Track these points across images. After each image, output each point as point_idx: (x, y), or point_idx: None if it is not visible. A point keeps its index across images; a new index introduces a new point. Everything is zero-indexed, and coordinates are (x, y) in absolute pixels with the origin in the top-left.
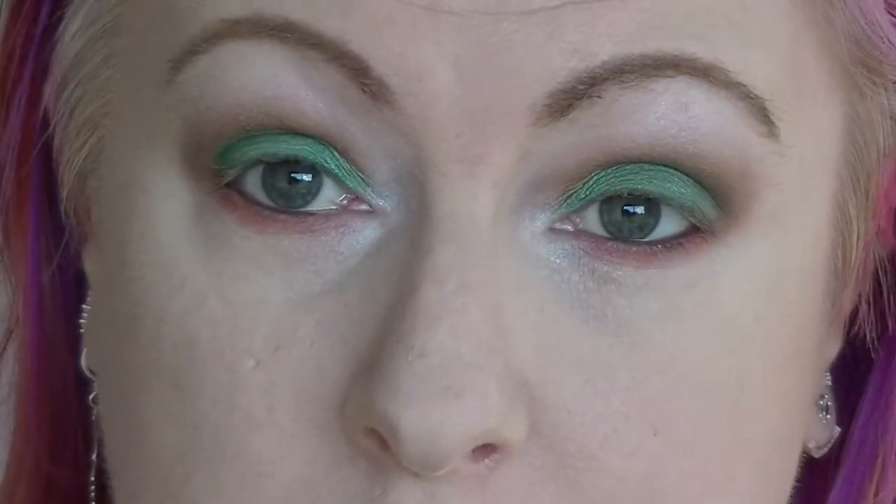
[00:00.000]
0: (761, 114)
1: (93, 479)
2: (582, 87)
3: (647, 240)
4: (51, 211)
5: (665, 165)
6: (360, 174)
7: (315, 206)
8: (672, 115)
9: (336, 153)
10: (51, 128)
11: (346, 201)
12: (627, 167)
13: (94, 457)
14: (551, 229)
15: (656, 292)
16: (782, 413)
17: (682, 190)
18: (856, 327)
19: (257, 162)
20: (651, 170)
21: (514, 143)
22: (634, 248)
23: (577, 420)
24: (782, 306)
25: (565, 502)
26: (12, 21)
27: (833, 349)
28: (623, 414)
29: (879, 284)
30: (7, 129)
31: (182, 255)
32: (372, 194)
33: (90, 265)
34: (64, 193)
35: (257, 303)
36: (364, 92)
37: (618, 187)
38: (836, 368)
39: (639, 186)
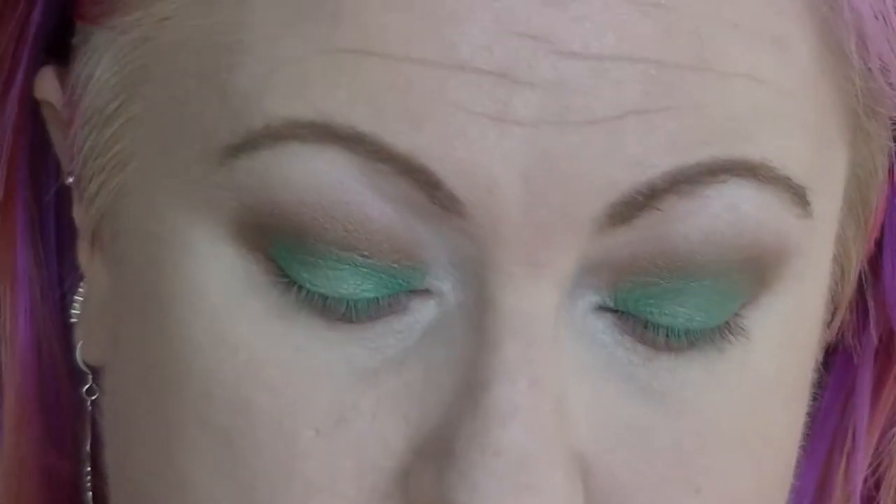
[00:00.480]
0: (801, 199)
1: (89, 469)
2: (641, 198)
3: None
4: (37, 198)
5: (710, 268)
6: (419, 269)
7: (373, 294)
8: (723, 215)
9: (396, 272)
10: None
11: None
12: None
13: (87, 448)
14: (599, 307)
15: (697, 363)
16: (793, 442)
17: (724, 305)
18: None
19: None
20: (695, 291)
21: (576, 250)
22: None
23: (625, 485)
24: (798, 351)
25: None
26: (2, 20)
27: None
28: (668, 477)
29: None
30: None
31: (236, 320)
32: (429, 278)
33: (90, 266)
34: (89, 222)
35: (317, 374)
36: (434, 203)
37: (657, 320)
38: None
39: (681, 308)
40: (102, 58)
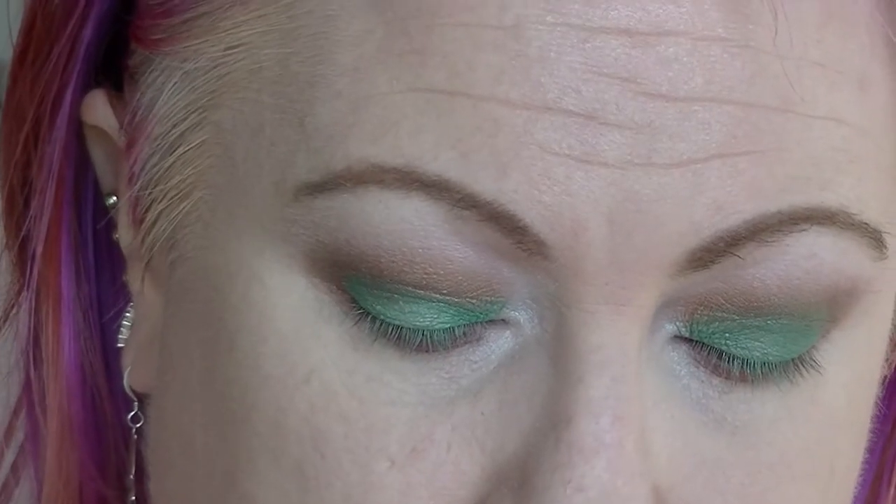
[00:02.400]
0: (878, 243)
1: (133, 499)
2: (723, 244)
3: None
4: (80, 226)
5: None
6: (497, 302)
7: (449, 325)
8: (801, 263)
9: (472, 305)
10: (136, 184)
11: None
12: (748, 322)
13: (131, 476)
14: (675, 337)
15: (771, 395)
16: (855, 473)
17: (798, 341)
18: None
19: None
20: (771, 328)
21: (657, 290)
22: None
23: None
24: (865, 386)
25: None
26: (52, 37)
27: None
28: None
29: None
30: (47, 148)
31: (308, 349)
32: (506, 310)
33: (141, 292)
34: (146, 248)
35: (392, 404)
36: (520, 248)
37: (737, 341)
38: None
39: (757, 343)
40: (167, 83)
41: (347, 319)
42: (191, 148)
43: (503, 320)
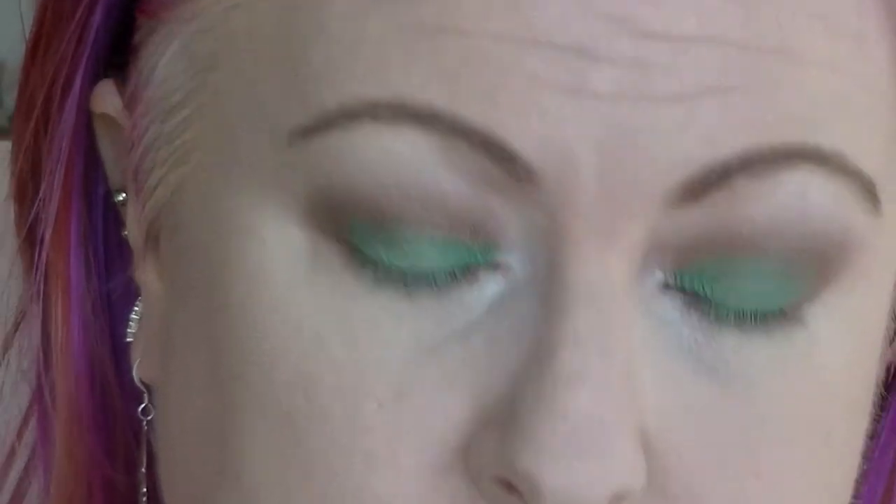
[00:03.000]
0: (871, 194)
1: (145, 490)
2: (714, 176)
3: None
4: (90, 219)
5: (776, 251)
6: (490, 243)
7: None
8: (791, 202)
9: (468, 244)
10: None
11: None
12: (736, 265)
13: (143, 469)
14: (665, 285)
15: (761, 346)
16: (854, 457)
17: (784, 289)
18: None
19: None
20: (756, 272)
21: (646, 222)
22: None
23: (686, 465)
24: (863, 355)
25: None
26: (62, 26)
27: None
28: (730, 457)
29: None
30: (56, 136)
31: (301, 299)
32: (498, 253)
33: (150, 280)
34: (146, 220)
35: (383, 348)
36: (510, 175)
37: (722, 284)
38: None
39: (739, 288)
40: (168, 48)
41: (347, 269)
42: (190, 112)
43: (496, 264)
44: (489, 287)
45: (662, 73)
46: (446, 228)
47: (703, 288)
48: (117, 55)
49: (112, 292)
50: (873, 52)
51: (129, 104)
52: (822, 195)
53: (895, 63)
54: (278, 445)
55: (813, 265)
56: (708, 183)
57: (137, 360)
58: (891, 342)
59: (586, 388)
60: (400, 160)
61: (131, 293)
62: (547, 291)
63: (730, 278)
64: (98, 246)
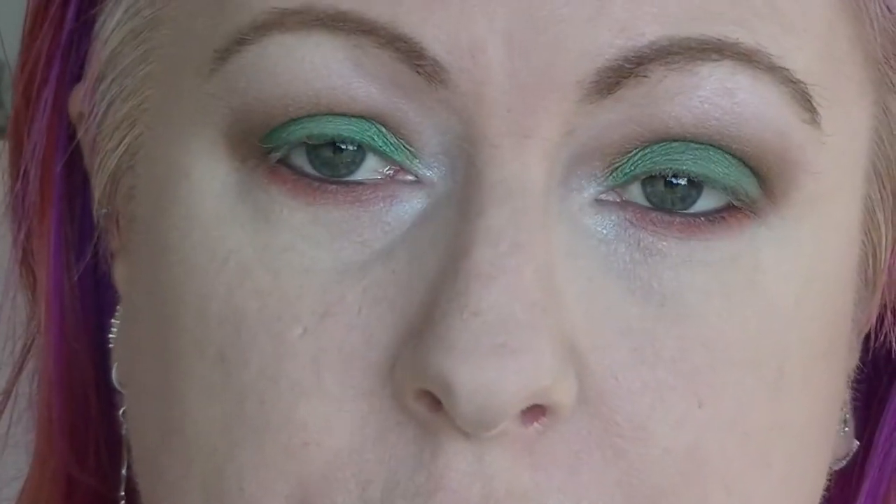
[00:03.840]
0: (803, 99)
1: (122, 493)
2: (629, 65)
3: (689, 211)
4: (72, 219)
5: (709, 145)
6: (407, 148)
7: (361, 176)
8: (716, 100)
9: (383, 130)
10: (81, 130)
11: (391, 172)
12: (673, 145)
13: (123, 471)
14: (598, 200)
15: (701, 265)
16: (816, 405)
17: (725, 171)
18: (879, 339)
19: (303, 142)
20: (696, 149)
21: (562, 117)
22: (678, 220)
23: (624, 388)
24: (820, 298)
25: (612, 470)
26: (37, 23)
27: (853, 361)
28: (669, 384)
29: None
30: (32, 132)
31: (226, 232)
32: (419, 165)
33: (121, 274)
34: (96, 195)
35: (305, 272)
36: (418, 73)
37: (662, 166)
38: (855, 382)
39: (682, 167)
40: (114, 17)
41: (266, 193)
42: (138, 76)
43: (417, 180)
44: (411, 205)
45: None
46: (353, 130)
47: (638, 193)
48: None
49: (102, 302)
50: None
51: (86, 80)
52: (749, 94)
53: None
54: (214, 384)
55: (751, 173)
56: (621, 73)
57: (116, 363)
58: (865, 305)
59: (498, 284)
60: (309, 67)
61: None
62: (465, 197)
63: (665, 179)
64: (85, 254)
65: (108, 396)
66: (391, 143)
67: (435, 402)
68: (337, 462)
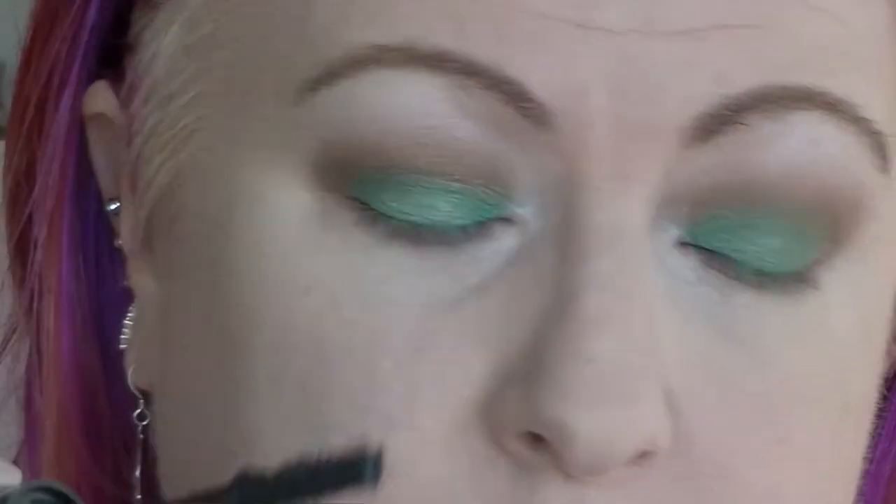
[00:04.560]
0: (880, 148)
1: (139, 497)
2: (727, 111)
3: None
4: (83, 228)
5: (788, 203)
6: (502, 192)
7: (462, 221)
8: (804, 149)
9: (479, 192)
10: (93, 129)
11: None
12: (752, 218)
13: (137, 473)
14: (681, 243)
15: (777, 308)
16: (865, 434)
17: (797, 248)
18: None
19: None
20: (769, 228)
21: (661, 162)
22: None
23: (711, 430)
24: (875, 335)
25: None
26: (50, 23)
27: None
28: (752, 423)
29: None
30: (50, 134)
31: (309, 261)
32: (512, 204)
33: (146, 284)
34: (143, 214)
35: (396, 306)
36: (524, 116)
37: (735, 241)
38: None
39: (752, 246)
40: (166, 34)
41: (357, 227)
42: (192, 94)
43: (510, 219)
44: (504, 242)
45: (668, 5)
46: (459, 176)
47: (720, 243)
48: (110, 57)
49: (103, 302)
50: (877, 12)
51: (126, 99)
52: (833, 145)
53: (894, 21)
54: (292, 413)
55: (826, 224)
56: (720, 119)
57: (132, 367)
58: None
59: (610, 332)
60: (409, 105)
61: (122, 303)
62: (565, 239)
63: (746, 233)
64: (90, 255)
65: (118, 397)
66: (489, 205)
67: (536, 441)
68: (428, 494)
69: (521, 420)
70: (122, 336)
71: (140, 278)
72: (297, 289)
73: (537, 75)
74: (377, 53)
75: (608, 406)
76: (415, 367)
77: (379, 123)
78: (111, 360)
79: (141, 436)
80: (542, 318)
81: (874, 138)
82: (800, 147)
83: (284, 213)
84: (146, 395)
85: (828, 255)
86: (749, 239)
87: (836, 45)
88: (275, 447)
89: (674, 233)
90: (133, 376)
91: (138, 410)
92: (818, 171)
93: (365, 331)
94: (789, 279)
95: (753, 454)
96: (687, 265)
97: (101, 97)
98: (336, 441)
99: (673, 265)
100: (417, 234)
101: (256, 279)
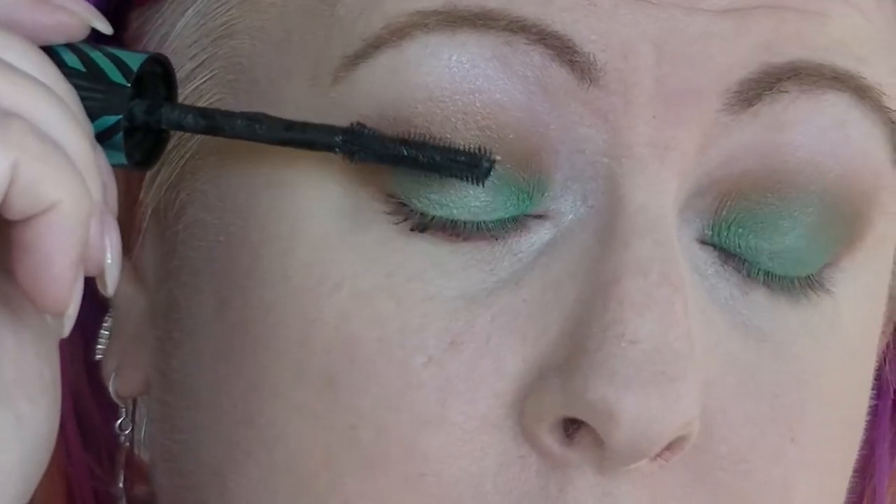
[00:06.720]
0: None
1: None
2: (768, 80)
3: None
4: None
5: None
6: (539, 184)
7: (498, 215)
8: (831, 131)
9: (521, 187)
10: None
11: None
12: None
13: (120, 485)
14: (702, 240)
15: (791, 307)
16: (861, 432)
17: (814, 249)
18: None
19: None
20: (789, 227)
21: (701, 128)
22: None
23: (730, 422)
24: (872, 332)
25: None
26: None
27: None
28: (769, 418)
29: None
30: None
31: (339, 256)
32: (548, 200)
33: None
34: (145, 199)
35: (429, 300)
36: (571, 71)
37: (754, 238)
38: None
39: (771, 244)
40: (180, 19)
41: (390, 223)
42: (203, 80)
43: (545, 213)
44: (539, 235)
45: None
46: (500, 156)
47: (739, 240)
48: None
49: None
50: (888, 10)
51: None
52: (858, 129)
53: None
54: (317, 410)
55: (846, 217)
56: (762, 87)
57: (112, 375)
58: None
59: (653, 314)
60: (455, 67)
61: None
62: (605, 223)
63: (765, 232)
64: None
65: (105, 407)
66: (525, 194)
67: (569, 434)
68: (456, 493)
69: (560, 406)
70: (99, 345)
71: (126, 284)
72: (326, 284)
73: (585, 32)
74: (420, 19)
75: (652, 388)
76: (448, 362)
77: (423, 90)
78: (93, 372)
79: (127, 444)
80: (580, 306)
81: (892, 128)
82: (827, 128)
83: (314, 205)
84: (127, 405)
85: (837, 258)
86: (768, 238)
87: (867, 38)
88: (298, 445)
89: (696, 226)
90: (115, 384)
91: (120, 420)
92: (843, 154)
93: (398, 326)
94: (807, 283)
95: (770, 449)
96: (707, 260)
97: None
98: (366, 438)
99: (695, 257)
100: (453, 228)
101: (280, 274)
